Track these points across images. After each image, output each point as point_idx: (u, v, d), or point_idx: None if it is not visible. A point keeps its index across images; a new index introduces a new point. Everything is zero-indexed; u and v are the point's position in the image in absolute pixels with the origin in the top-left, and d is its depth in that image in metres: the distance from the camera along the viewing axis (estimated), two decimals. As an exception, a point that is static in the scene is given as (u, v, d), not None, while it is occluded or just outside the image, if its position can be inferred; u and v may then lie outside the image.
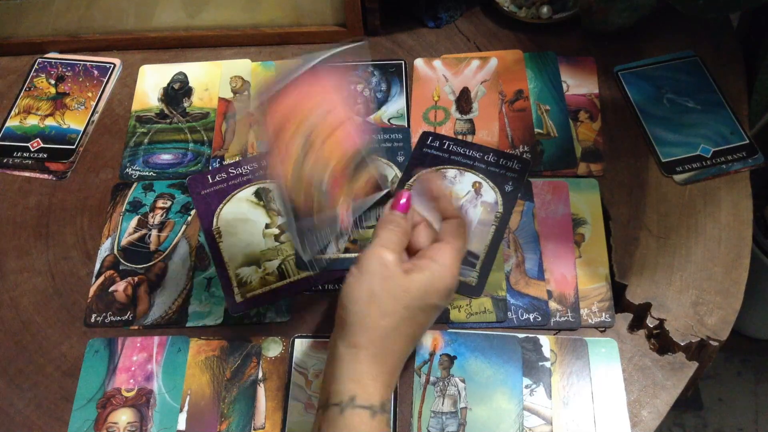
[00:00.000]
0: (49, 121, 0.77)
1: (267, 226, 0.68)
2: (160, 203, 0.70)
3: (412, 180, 0.70)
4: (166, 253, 0.67)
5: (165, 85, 0.79)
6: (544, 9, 0.80)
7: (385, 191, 0.54)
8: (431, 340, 0.60)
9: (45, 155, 0.74)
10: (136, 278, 0.65)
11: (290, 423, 0.57)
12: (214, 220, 0.69)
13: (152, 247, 0.67)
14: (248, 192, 0.70)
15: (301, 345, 0.61)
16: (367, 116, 0.75)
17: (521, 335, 0.61)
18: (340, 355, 0.48)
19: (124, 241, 0.68)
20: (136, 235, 0.68)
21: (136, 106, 0.78)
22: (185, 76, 0.80)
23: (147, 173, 0.72)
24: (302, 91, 0.49)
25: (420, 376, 0.59)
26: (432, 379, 0.59)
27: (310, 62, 0.49)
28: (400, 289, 0.48)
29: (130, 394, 0.59)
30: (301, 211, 0.50)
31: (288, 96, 0.49)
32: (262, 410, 0.58)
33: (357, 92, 0.50)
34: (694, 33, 0.79)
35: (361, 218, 0.54)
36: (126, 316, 0.63)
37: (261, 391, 0.59)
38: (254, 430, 0.57)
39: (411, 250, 0.53)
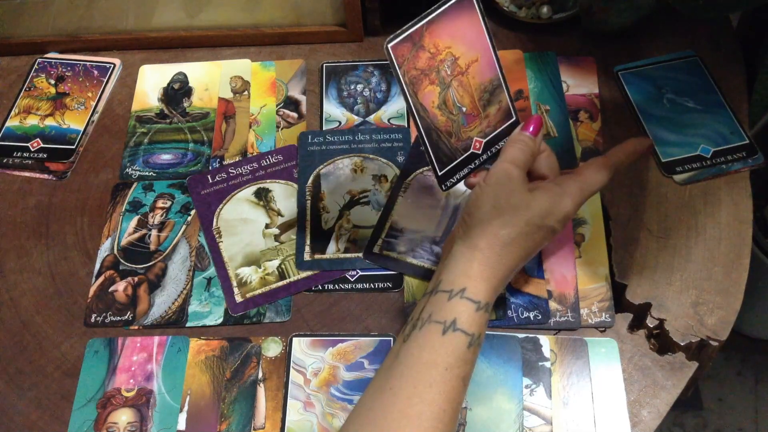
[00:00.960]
0: (49, 121, 0.77)
1: (267, 226, 0.68)
2: (160, 203, 0.70)
3: (409, 179, 0.70)
4: (166, 253, 0.67)
5: (165, 85, 0.79)
6: (544, 9, 0.80)
7: (514, 119, 0.58)
8: (431, 340, 0.60)
9: (45, 155, 0.74)
10: (136, 278, 0.65)
11: (289, 422, 0.57)
12: (214, 220, 0.69)
13: (152, 247, 0.67)
14: (248, 192, 0.70)
15: (299, 344, 0.61)
16: (367, 116, 0.75)
17: (521, 335, 0.61)
18: (458, 251, 0.52)
19: (124, 241, 0.68)
20: (136, 235, 0.68)
21: (136, 106, 0.78)
22: (185, 76, 0.80)
23: (147, 173, 0.73)
24: (437, 29, 0.54)
25: (420, 376, 0.59)
26: (432, 379, 0.59)
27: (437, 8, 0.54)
28: (522, 204, 0.52)
29: (130, 394, 0.59)
30: (442, 133, 0.55)
31: (426, 32, 0.54)
32: (262, 410, 0.58)
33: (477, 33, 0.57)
34: (694, 33, 0.79)
35: (492, 144, 0.58)
36: (126, 316, 0.63)
37: (261, 391, 0.59)
38: (254, 430, 0.57)
39: (532, 176, 0.56)
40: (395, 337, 0.61)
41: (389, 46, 0.52)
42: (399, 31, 0.52)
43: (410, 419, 0.46)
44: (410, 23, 0.53)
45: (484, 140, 0.57)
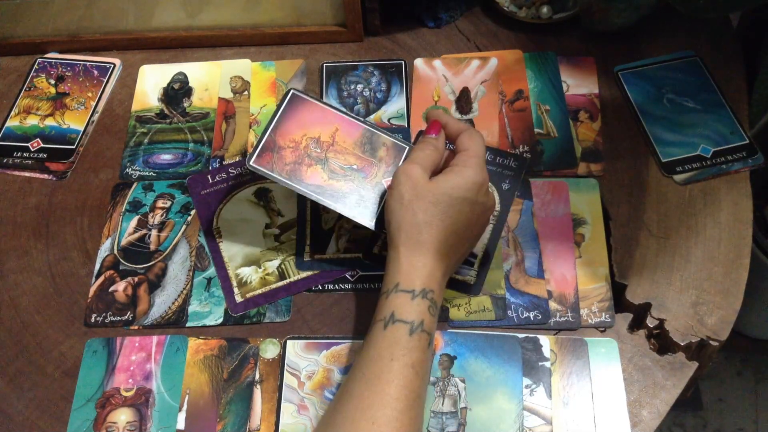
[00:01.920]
0: (49, 121, 0.77)
1: (267, 226, 0.68)
2: (160, 203, 0.70)
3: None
4: (166, 253, 0.67)
5: (165, 85, 0.79)
6: (544, 9, 0.80)
7: (408, 147, 0.64)
8: (431, 340, 0.60)
9: (45, 155, 0.74)
10: (136, 278, 0.65)
11: (283, 425, 0.57)
12: (214, 220, 0.69)
13: (152, 247, 0.67)
14: (248, 192, 0.70)
15: (293, 346, 0.61)
16: (367, 116, 0.75)
17: (521, 335, 0.60)
18: (388, 258, 0.55)
19: (124, 241, 0.68)
20: (136, 235, 0.68)
21: (136, 106, 0.78)
22: (185, 76, 0.80)
23: (147, 173, 0.73)
24: (284, 129, 0.62)
25: (420, 376, 0.59)
26: (432, 379, 0.59)
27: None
28: (425, 191, 0.55)
29: (129, 394, 0.59)
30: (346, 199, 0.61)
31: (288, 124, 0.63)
32: (258, 412, 0.58)
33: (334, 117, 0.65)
34: (694, 33, 0.79)
35: None
36: (126, 316, 0.63)
37: (257, 392, 0.59)
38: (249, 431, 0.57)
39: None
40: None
41: (251, 164, 0.60)
42: (251, 151, 0.61)
43: (363, 411, 0.48)
44: (257, 141, 0.62)
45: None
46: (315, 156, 0.61)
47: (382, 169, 0.63)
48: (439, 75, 0.78)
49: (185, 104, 0.78)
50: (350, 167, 0.62)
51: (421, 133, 0.72)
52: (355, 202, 0.61)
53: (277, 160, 0.61)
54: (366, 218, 0.61)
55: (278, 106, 0.63)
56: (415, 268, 0.53)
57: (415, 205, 0.54)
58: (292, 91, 0.64)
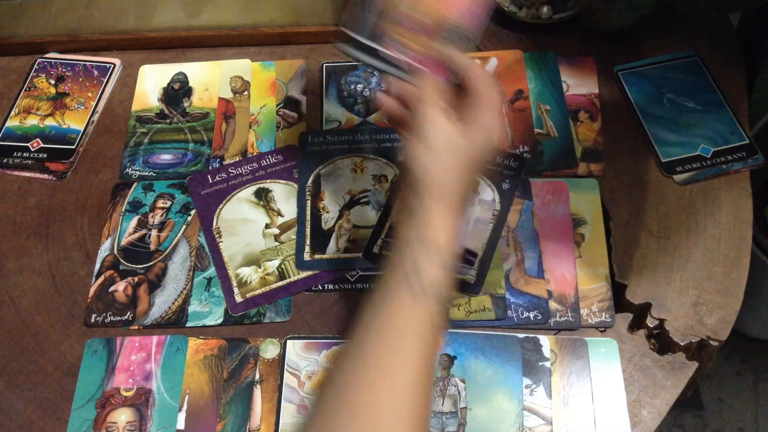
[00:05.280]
0: (49, 121, 0.77)
1: (267, 226, 0.68)
2: (160, 203, 0.70)
3: None
4: (166, 253, 0.67)
5: (165, 85, 0.79)
6: (544, 9, 0.80)
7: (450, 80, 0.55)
8: (431, 340, 0.60)
9: (45, 155, 0.74)
10: (136, 278, 0.65)
11: (283, 425, 0.57)
12: (214, 220, 0.69)
13: (152, 247, 0.67)
14: (248, 192, 0.70)
15: (293, 346, 0.61)
16: (367, 116, 0.75)
17: (521, 335, 0.60)
18: (411, 210, 0.50)
19: (124, 241, 0.68)
20: (136, 235, 0.68)
21: (136, 106, 0.78)
22: (185, 76, 0.80)
23: (147, 173, 0.72)
24: None
25: (420, 376, 0.59)
26: (432, 379, 0.59)
27: None
28: (457, 146, 0.50)
29: (129, 394, 0.59)
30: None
31: None
32: (258, 412, 0.58)
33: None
34: (694, 33, 0.79)
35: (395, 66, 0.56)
36: (126, 316, 0.63)
37: (257, 392, 0.59)
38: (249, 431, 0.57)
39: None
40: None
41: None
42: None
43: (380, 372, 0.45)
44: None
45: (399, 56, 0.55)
46: None
47: (410, 43, 0.54)
48: (439, 75, 0.78)
49: (185, 104, 0.78)
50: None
51: None
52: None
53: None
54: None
55: None
56: (444, 229, 0.49)
57: (446, 159, 0.50)
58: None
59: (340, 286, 0.65)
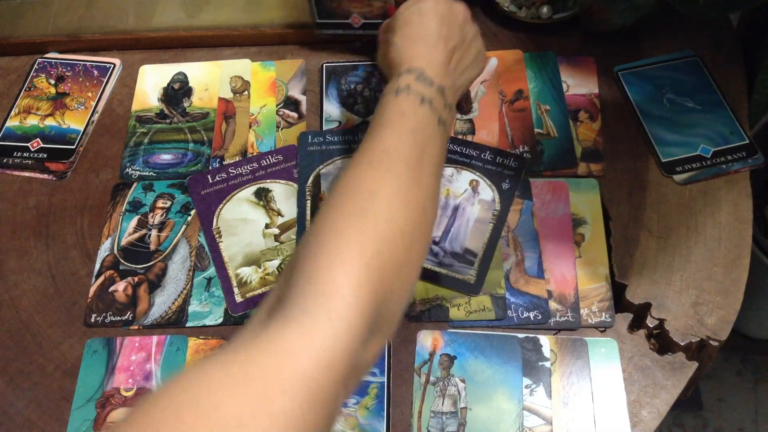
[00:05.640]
0: (49, 121, 0.77)
1: (267, 226, 0.68)
2: (160, 203, 0.70)
3: None
4: (166, 253, 0.67)
5: (165, 85, 0.79)
6: (544, 9, 0.80)
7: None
8: (431, 340, 0.60)
9: (45, 155, 0.74)
10: (136, 278, 0.65)
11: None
12: (214, 220, 0.69)
13: (152, 247, 0.67)
14: (248, 192, 0.70)
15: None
16: (367, 116, 0.75)
17: (521, 335, 0.60)
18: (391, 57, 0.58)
19: (124, 241, 0.68)
20: (136, 235, 0.68)
21: (136, 106, 0.78)
22: (185, 76, 0.80)
23: (147, 173, 0.73)
24: None
25: (420, 376, 0.59)
26: (432, 379, 0.59)
27: None
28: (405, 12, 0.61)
29: (129, 394, 0.59)
30: None
31: None
32: (262, 410, 0.58)
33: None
34: (694, 33, 0.79)
35: (369, 27, 0.76)
36: (126, 316, 0.63)
37: (261, 391, 0.59)
38: None
39: None
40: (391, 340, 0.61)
41: None
42: None
43: (363, 182, 0.46)
44: None
45: (362, 20, 0.74)
46: None
47: (363, 9, 0.74)
48: (439, 75, 0.78)
49: (185, 104, 0.78)
50: None
51: None
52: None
53: None
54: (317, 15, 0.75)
55: None
56: (425, 59, 0.55)
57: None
58: None
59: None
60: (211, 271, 0.66)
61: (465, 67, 0.60)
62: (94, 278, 0.66)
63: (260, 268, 0.65)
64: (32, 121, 0.77)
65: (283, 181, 0.71)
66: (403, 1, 0.62)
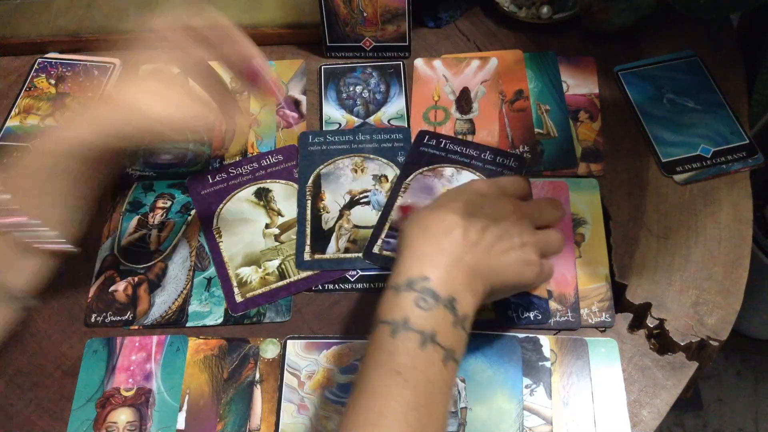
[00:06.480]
0: (50, 121, 0.77)
1: (267, 226, 0.68)
2: (160, 203, 0.70)
3: (409, 179, 0.70)
4: (166, 253, 0.67)
5: (165, 85, 0.79)
6: (544, 9, 0.80)
7: (406, 43, 0.77)
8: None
9: (45, 155, 0.74)
10: (136, 278, 0.65)
11: (283, 424, 0.57)
12: (214, 220, 0.69)
13: (152, 247, 0.67)
14: (248, 192, 0.70)
15: (293, 346, 0.61)
16: (366, 118, 0.75)
17: (521, 335, 0.60)
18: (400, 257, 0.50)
19: (124, 241, 0.68)
20: (136, 235, 0.68)
21: (136, 106, 0.78)
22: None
23: (147, 173, 0.72)
24: None
25: (420, 376, 0.59)
26: (432, 379, 0.59)
27: None
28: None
29: (129, 394, 0.59)
30: (339, 19, 0.76)
31: None
32: (258, 412, 0.58)
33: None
34: (694, 33, 0.79)
35: (380, 51, 0.79)
36: (126, 316, 0.63)
37: (257, 392, 0.59)
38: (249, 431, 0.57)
39: None
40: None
41: None
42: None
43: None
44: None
45: (374, 43, 0.77)
46: None
47: (376, 33, 0.76)
48: (439, 75, 0.78)
49: (185, 104, 0.77)
50: (362, 11, 0.75)
51: (423, 133, 0.72)
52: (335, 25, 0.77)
53: None
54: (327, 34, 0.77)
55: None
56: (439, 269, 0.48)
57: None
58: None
59: (341, 286, 0.65)
60: (211, 271, 0.66)
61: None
62: (94, 278, 0.66)
63: (260, 268, 0.65)
64: (32, 121, 0.77)
65: (283, 181, 0.71)
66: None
